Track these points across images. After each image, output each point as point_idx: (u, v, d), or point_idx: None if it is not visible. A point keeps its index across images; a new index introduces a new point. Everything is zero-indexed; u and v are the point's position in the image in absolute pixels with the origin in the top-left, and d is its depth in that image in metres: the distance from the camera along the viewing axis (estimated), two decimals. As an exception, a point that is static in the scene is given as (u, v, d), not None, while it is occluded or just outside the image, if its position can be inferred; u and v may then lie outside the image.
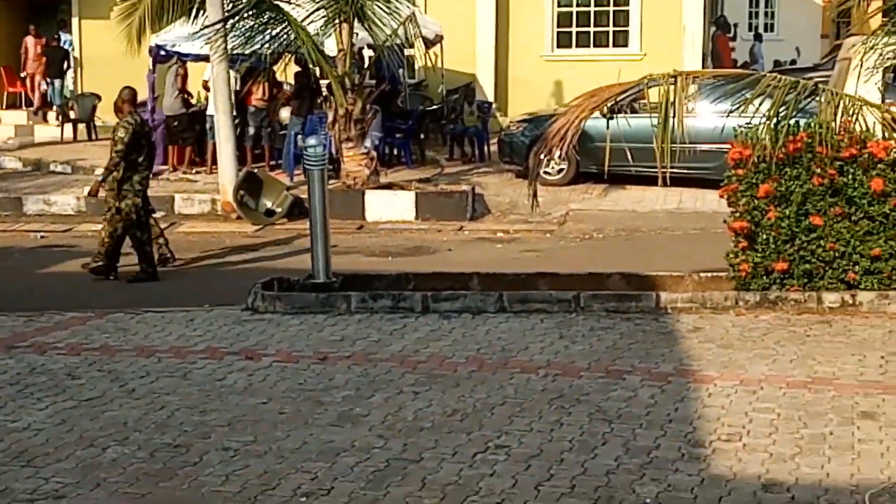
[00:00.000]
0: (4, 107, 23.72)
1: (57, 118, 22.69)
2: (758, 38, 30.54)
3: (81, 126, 22.58)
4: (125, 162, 11.36)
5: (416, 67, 21.38)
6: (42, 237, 14.73)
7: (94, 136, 22.49)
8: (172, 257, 12.36)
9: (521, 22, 22.40)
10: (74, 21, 23.85)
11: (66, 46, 23.71)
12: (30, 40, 23.08)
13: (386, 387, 7.04)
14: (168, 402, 6.81)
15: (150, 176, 12.16)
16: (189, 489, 5.48)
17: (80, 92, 23.37)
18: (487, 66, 22.40)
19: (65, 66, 23.64)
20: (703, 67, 20.73)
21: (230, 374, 7.39)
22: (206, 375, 7.37)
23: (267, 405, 6.73)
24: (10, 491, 5.40)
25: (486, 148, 19.22)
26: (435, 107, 20.57)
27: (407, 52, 18.06)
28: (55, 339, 8.36)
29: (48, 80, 23.50)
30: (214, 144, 16.95)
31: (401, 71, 18.96)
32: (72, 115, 22.83)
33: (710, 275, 9.65)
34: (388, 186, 15.89)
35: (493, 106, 21.52)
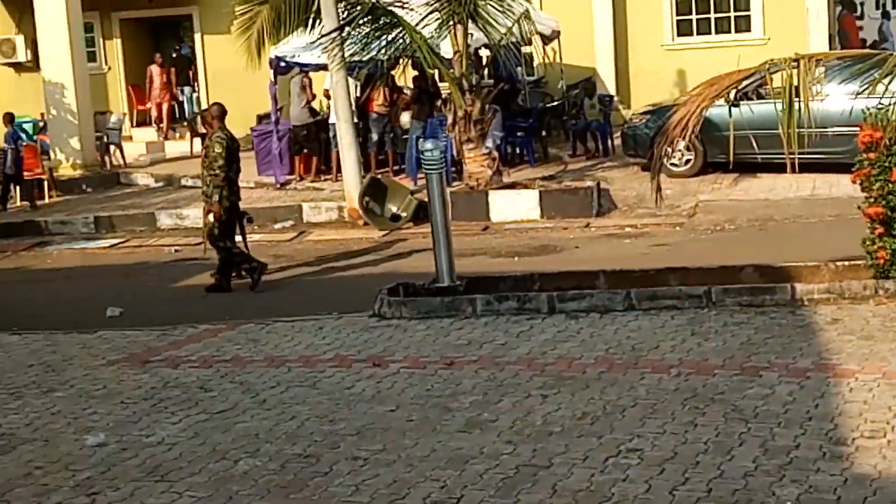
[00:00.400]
0: (135, 124, 24.34)
1: (187, 129, 23.19)
2: (885, 15, 29.54)
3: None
4: (227, 177, 11.51)
5: (535, 64, 21.23)
6: (176, 251, 15.05)
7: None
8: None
9: (639, 12, 22.08)
10: (197, 37, 24.38)
11: (186, 55, 24.37)
12: (155, 69, 23.53)
13: (514, 391, 6.96)
14: (298, 411, 6.84)
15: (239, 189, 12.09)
16: (319, 500, 5.48)
17: (205, 106, 23.87)
18: (607, 59, 22.14)
19: (190, 74, 24.25)
20: (830, 49, 20.14)
21: (358, 381, 7.39)
22: (335, 384, 7.38)
23: (395, 413, 6.70)
24: (146, 506, 5.48)
25: (609, 142, 18.99)
26: (556, 103, 20.40)
27: (524, 49, 17.97)
28: (188, 353, 8.49)
29: (179, 88, 24.11)
30: (338, 152, 17.09)
31: (519, 69, 18.84)
32: (200, 129, 23.33)
33: (847, 263, 9.31)
34: (512, 186, 15.80)
35: (615, 99, 21.26)
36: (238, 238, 11.91)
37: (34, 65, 22.55)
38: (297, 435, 6.42)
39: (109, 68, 24.93)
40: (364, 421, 6.59)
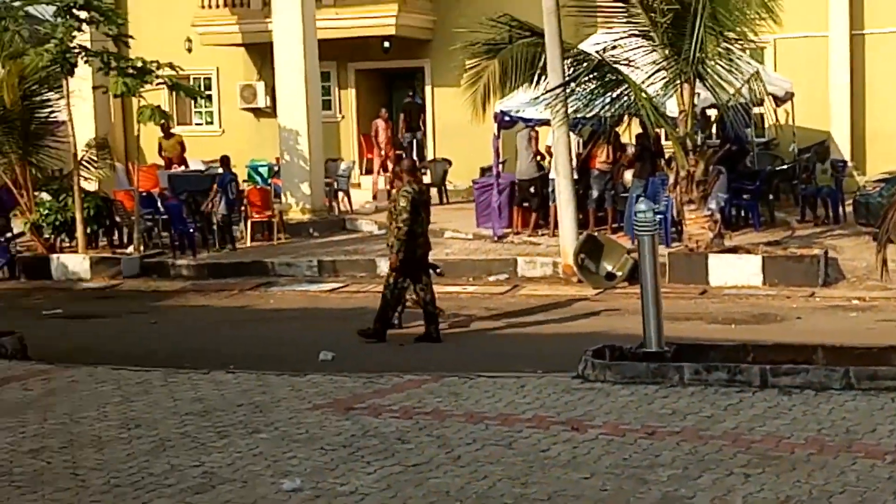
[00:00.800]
0: (363, 172, 25.03)
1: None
2: None
3: (433, 190, 23.47)
4: (411, 231, 11.76)
5: (766, 126, 20.70)
6: (391, 298, 15.28)
7: (445, 200, 23.31)
8: (399, 325, 12.51)
9: (879, 72, 21.25)
10: (427, 88, 24.92)
11: (418, 102, 24.94)
12: (380, 123, 24.08)
13: (715, 467, 6.68)
14: (491, 471, 6.77)
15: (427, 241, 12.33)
16: (503, 566, 5.39)
17: (432, 157, 24.34)
18: (842, 122, 21.40)
19: (420, 120, 24.81)
20: None
21: (555, 444, 7.27)
22: (531, 445, 7.28)
23: (589, 480, 6.55)
24: (332, 556, 5.51)
25: (840, 209, 18.28)
26: (786, 166, 19.80)
27: (755, 110, 17.54)
28: (390, 402, 8.56)
29: (408, 133, 24.70)
30: (556, 207, 17.07)
31: (748, 130, 18.39)
32: (425, 179, 23.77)
33: None
34: (734, 250, 15.37)
35: (849, 164, 20.48)
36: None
37: (272, 111, 23.55)
38: (488, 495, 6.34)
39: (343, 117, 25.77)
40: (557, 486, 6.46)
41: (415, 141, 24.98)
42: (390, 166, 23.85)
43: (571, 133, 16.75)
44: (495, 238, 18.41)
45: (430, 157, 24.63)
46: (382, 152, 23.99)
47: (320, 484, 6.63)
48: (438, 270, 12.56)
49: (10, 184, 18.93)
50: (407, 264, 11.94)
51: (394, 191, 12.29)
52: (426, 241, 12.23)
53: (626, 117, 15.95)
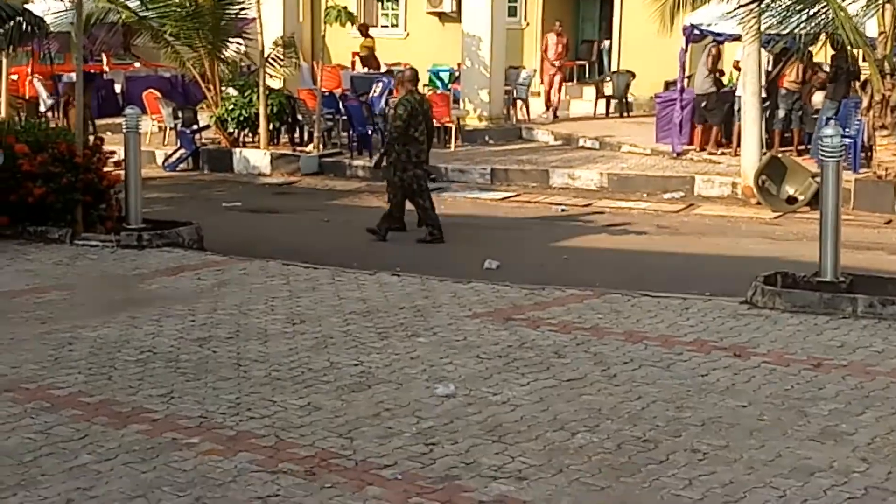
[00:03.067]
0: (543, 81, 24.71)
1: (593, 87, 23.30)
2: None
3: (614, 102, 23.08)
4: (404, 136, 12.47)
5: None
6: (563, 210, 15.17)
7: (626, 113, 22.90)
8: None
9: None
10: (616, 1, 24.36)
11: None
12: (551, 38, 23.61)
13: (880, 405, 6.41)
14: (646, 392, 6.66)
15: (429, 149, 13.04)
16: (649, 488, 5.30)
17: (615, 69, 23.87)
18: None
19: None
20: None
21: (714, 370, 7.10)
22: (690, 369, 7.13)
23: (746, 409, 6.38)
24: (478, 465, 5.52)
25: None
26: None
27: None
28: (550, 315, 8.50)
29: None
30: (740, 126, 16.56)
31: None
32: (606, 90, 23.37)
33: None
34: (925, 179, 14.64)
35: None
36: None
37: (457, 15, 23.43)
38: (640, 417, 6.25)
39: (528, 24, 25.47)
40: (712, 413, 6.31)
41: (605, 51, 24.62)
42: (558, 80, 23.45)
43: (763, 50, 16.14)
44: (674, 154, 18.01)
45: (613, 68, 24.17)
46: (553, 65, 23.50)
47: (473, 392, 6.65)
48: (433, 176, 13.25)
49: (199, 78, 19.41)
50: (415, 169, 12.63)
51: (393, 98, 12.98)
52: (428, 147, 12.89)
53: (821, 36, 15.22)
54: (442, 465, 5.50)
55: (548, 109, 22.72)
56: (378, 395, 6.60)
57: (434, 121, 14.17)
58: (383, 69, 23.54)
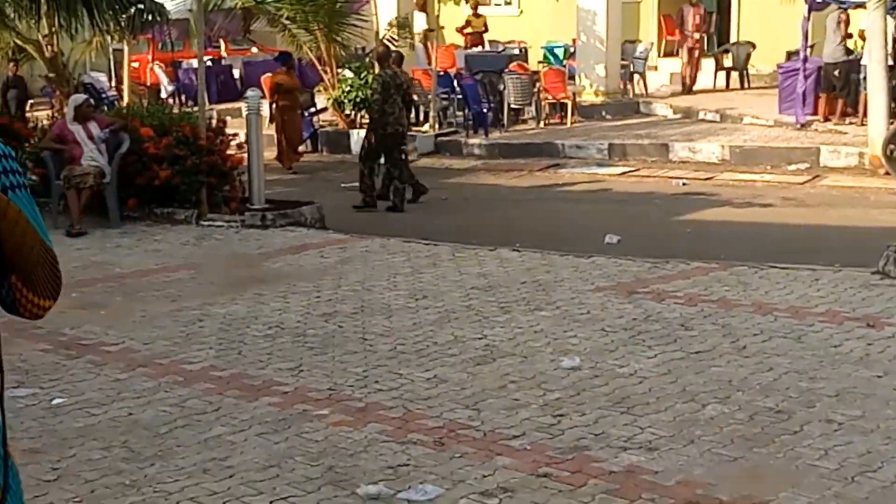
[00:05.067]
0: (662, 55, 24.37)
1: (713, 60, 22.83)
2: None
3: (734, 74, 22.64)
4: (380, 110, 13.35)
5: None
6: (683, 184, 14.95)
7: (746, 84, 22.44)
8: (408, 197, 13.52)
9: None
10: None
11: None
12: (687, 9, 23.11)
13: None
14: (777, 363, 6.53)
15: (405, 123, 13.93)
16: (783, 459, 5.20)
17: (735, 40, 23.40)
18: None
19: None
20: None
21: (847, 341, 6.93)
22: (822, 340, 6.97)
23: (882, 379, 6.20)
24: (606, 436, 5.47)
25: None
26: None
27: None
28: (675, 288, 8.39)
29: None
30: (866, 95, 16.09)
31: None
32: (725, 62, 22.94)
33: None
34: None
35: None
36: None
37: (570, -9, 23.19)
38: (772, 388, 6.13)
39: (644, -3, 25.10)
40: (846, 383, 6.16)
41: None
42: (696, 53, 22.96)
43: (888, 16, 15.64)
44: (798, 125, 17.59)
45: (732, 39, 23.70)
46: (692, 38, 23.03)
47: (599, 364, 6.60)
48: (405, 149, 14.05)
49: (315, 61, 19.60)
50: (381, 142, 13.41)
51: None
52: (398, 120, 13.45)
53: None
54: (570, 436, 5.47)
55: (684, 86, 22.26)
56: (503, 367, 6.59)
57: (412, 96, 14.88)
58: (493, 48, 23.45)
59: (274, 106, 17.52)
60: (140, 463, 5.22)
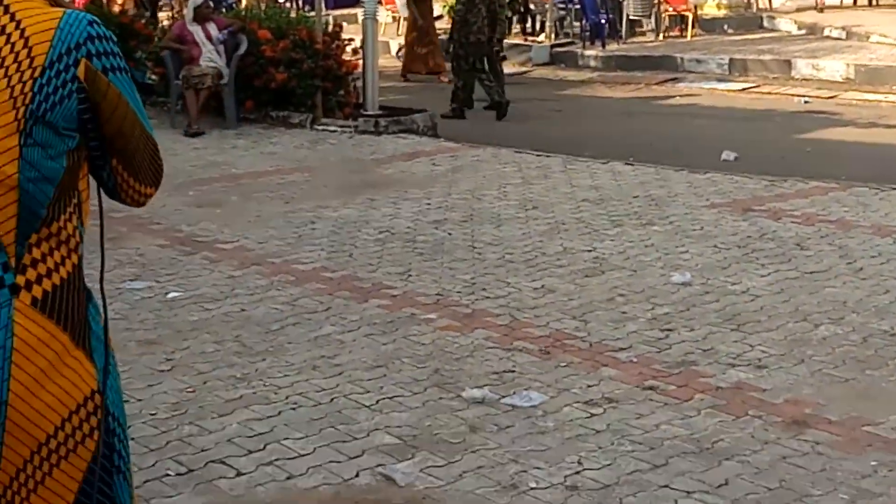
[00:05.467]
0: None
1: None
2: None
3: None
4: (462, 21, 13.44)
5: None
6: (805, 102, 14.57)
7: (875, 2, 21.67)
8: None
9: None
10: None
11: None
12: None
13: None
14: (894, 286, 6.37)
15: (487, 34, 13.66)
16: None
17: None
18: None
19: None
20: None
21: (970, 267, 6.72)
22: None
23: None
24: (715, 352, 5.42)
25: None
26: None
27: None
28: (792, 207, 8.21)
29: None
30: None
31: None
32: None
33: None
34: None
35: None
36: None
37: None
38: (888, 310, 5.99)
39: None
40: (965, 309, 5.99)
41: None
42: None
43: None
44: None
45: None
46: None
47: (710, 280, 6.52)
48: (503, 55, 14.25)
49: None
50: (463, 50, 13.49)
51: None
52: (480, 30, 13.41)
53: None
54: (678, 351, 5.42)
55: (817, 4, 21.52)
56: (612, 280, 6.55)
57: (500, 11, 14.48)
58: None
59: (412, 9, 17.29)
60: (251, 357, 5.34)
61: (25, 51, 2.04)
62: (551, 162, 10.00)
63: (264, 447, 4.36)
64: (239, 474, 4.13)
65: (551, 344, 5.52)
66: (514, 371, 5.17)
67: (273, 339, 5.59)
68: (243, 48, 11.82)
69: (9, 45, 2.04)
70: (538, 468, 4.19)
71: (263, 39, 11.93)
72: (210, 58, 11.73)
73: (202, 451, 4.32)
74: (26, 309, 2.06)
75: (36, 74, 2.04)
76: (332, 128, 11.59)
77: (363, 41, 12.16)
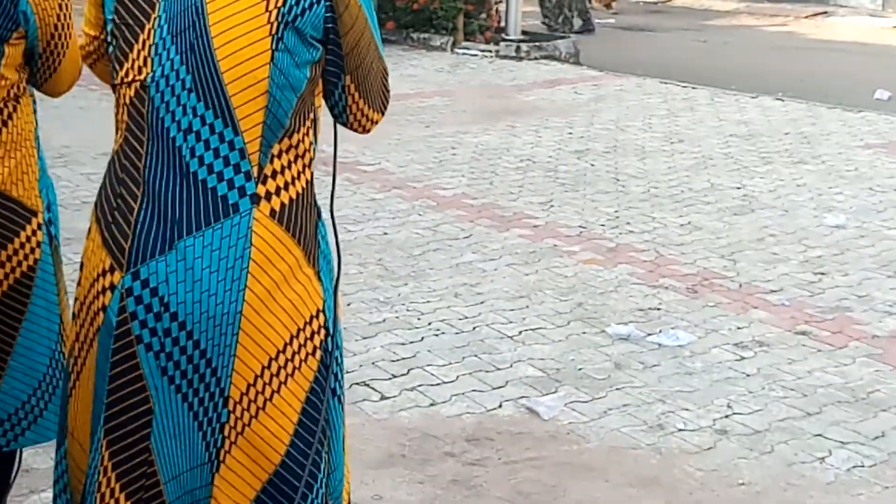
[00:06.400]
0: None
1: None
2: None
3: None
4: None
5: None
6: (964, 41, 13.92)
7: None
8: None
9: None
10: None
11: None
12: None
13: None
14: None
15: None
16: None
17: None
18: None
19: None
20: None
21: None
22: None
23: None
24: (870, 298, 5.19)
25: None
26: None
27: None
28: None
29: None
30: None
31: None
32: None
33: None
34: None
35: None
36: None
37: None
38: None
39: None
40: None
41: None
42: None
43: None
44: None
45: None
46: None
47: (866, 224, 6.28)
48: None
49: None
50: None
51: None
52: None
53: None
54: (831, 296, 5.23)
55: None
56: (762, 219, 6.35)
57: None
58: None
59: None
60: (394, 281, 5.32)
61: None
62: (698, 94, 9.74)
63: (408, 372, 4.34)
64: (383, 398, 4.13)
65: (699, 282, 5.38)
66: (659, 309, 5.06)
67: (415, 265, 5.56)
68: (387, -32, 11.73)
69: None
70: (686, 409, 4.09)
71: (409, -41, 11.83)
72: (353, -23, 11.65)
73: (347, 372, 4.31)
74: (265, 220, 2.04)
75: None
76: (473, 52, 11.47)
77: (507, -36, 11.96)
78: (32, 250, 2.58)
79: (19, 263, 2.57)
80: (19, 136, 2.55)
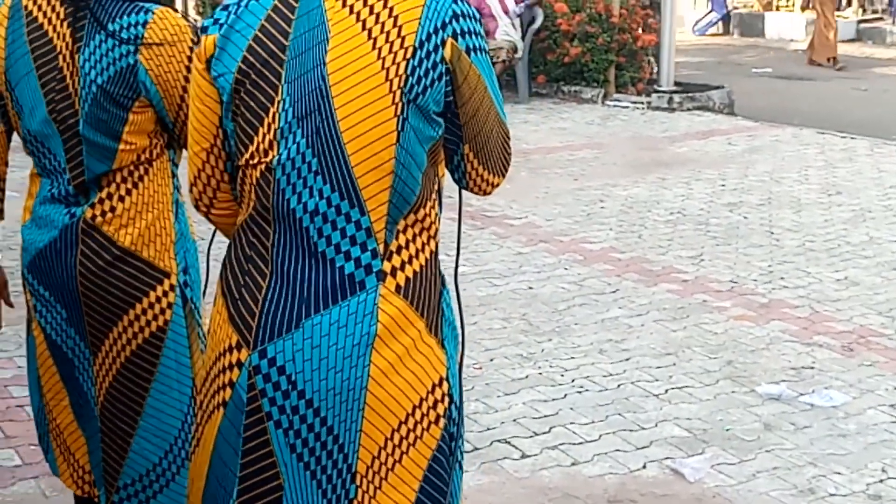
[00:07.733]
0: None
1: None
2: None
3: None
4: None
5: None
6: None
7: None
8: None
9: None
10: None
11: None
12: None
13: None
14: None
15: None
16: None
17: None
18: None
19: None
20: None
21: None
22: None
23: None
24: None
25: None
26: None
27: None
28: None
29: None
30: None
31: None
32: None
33: None
34: None
35: None
36: None
37: None
38: None
39: None
40: None
41: None
42: None
43: None
44: None
45: None
46: None
47: None
48: None
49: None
50: None
51: None
52: None
53: None
54: None
55: None
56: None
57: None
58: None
59: None
60: (538, 336, 5.28)
61: (396, 30, 1.98)
62: (857, 144, 9.46)
63: (549, 430, 4.29)
64: (524, 456, 4.08)
65: (854, 340, 5.19)
66: (813, 367, 4.89)
67: (559, 319, 5.51)
68: (539, 21, 11.78)
69: (379, 26, 1.98)
70: (838, 473, 3.94)
71: (559, 13, 11.85)
72: (506, 31, 11.76)
73: (488, 429, 4.30)
74: (390, 295, 2.05)
75: (408, 55, 1.98)
76: (624, 103, 11.41)
77: (661, 15, 11.87)
78: (163, 311, 2.63)
79: (148, 323, 2.62)
80: (151, 198, 2.61)
